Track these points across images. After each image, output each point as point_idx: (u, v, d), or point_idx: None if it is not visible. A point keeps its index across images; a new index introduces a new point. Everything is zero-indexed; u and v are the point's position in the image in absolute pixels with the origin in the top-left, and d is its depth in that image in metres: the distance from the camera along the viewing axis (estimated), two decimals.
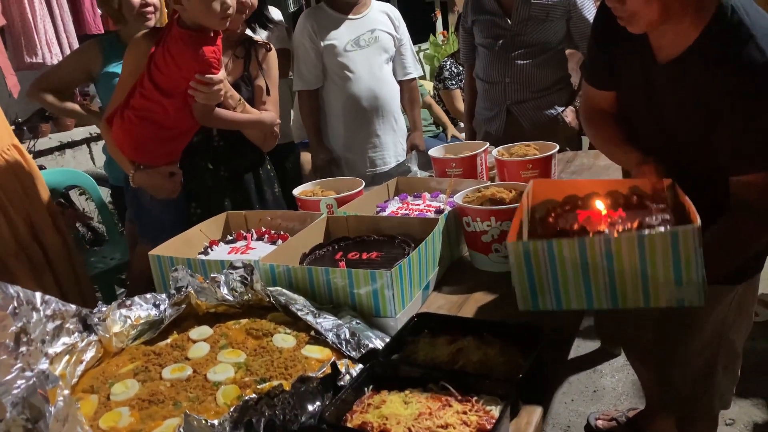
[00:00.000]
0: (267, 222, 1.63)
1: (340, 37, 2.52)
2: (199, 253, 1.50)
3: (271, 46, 1.94)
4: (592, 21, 2.47)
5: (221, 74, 1.69)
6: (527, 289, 1.06)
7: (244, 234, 1.59)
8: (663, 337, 1.53)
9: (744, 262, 1.36)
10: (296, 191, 1.79)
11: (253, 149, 1.94)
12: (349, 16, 2.55)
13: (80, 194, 3.55)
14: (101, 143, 4.11)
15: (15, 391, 0.90)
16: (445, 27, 8.98)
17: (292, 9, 5.28)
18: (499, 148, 1.96)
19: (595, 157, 2.23)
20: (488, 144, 2.02)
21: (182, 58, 1.65)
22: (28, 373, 0.92)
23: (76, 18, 3.37)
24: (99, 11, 3.41)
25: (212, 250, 1.52)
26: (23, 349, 0.94)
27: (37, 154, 3.63)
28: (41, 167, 3.44)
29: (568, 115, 2.60)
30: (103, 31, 3.43)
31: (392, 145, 2.67)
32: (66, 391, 0.97)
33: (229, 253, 1.50)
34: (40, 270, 1.64)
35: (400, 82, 2.71)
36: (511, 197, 1.47)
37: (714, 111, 1.20)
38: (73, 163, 3.91)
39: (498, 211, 1.39)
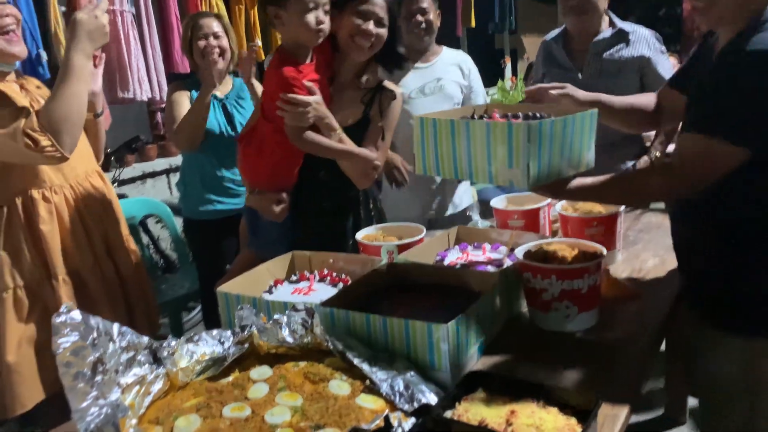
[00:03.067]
0: (330, 264, 1.68)
1: (407, 84, 2.59)
2: (264, 292, 1.56)
3: (398, 94, 1.96)
4: (666, 76, 2.47)
5: (313, 98, 1.74)
6: (420, 157, 1.43)
7: (308, 275, 1.64)
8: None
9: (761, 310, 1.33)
10: (359, 235, 1.83)
11: (356, 187, 1.99)
12: (417, 65, 2.61)
13: (156, 222, 3.74)
14: (180, 174, 4.34)
15: (89, 419, 0.96)
16: (514, 73, 9.01)
17: None
18: (564, 202, 1.94)
19: (663, 217, 2.18)
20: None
21: (270, 78, 1.78)
22: (101, 401, 0.99)
23: (166, 57, 3.61)
24: None
25: (276, 289, 1.58)
26: (99, 378, 1.00)
27: (121, 183, 3.85)
28: (124, 195, 3.68)
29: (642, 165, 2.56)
30: (189, 71, 3.65)
31: (450, 191, 2.69)
32: (134, 421, 1.03)
33: (292, 293, 1.55)
34: (112, 286, 1.77)
35: None
36: (574, 255, 1.45)
37: None
38: (153, 192, 4.13)
39: (559, 270, 1.38)
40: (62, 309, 0.97)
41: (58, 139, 1.52)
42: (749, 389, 1.36)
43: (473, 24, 6.80)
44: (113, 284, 1.77)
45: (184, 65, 3.61)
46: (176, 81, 2.53)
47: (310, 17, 1.71)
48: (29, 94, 1.72)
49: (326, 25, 1.76)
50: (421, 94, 2.60)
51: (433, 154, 1.41)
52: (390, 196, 2.73)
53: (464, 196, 2.77)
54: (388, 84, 1.97)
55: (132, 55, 3.35)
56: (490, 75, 7.82)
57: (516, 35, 9.17)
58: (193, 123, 2.31)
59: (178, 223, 3.39)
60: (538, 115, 1.45)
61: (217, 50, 2.35)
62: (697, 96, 1.33)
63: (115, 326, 1.07)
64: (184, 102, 2.39)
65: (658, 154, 2.60)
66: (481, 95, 2.75)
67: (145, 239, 3.50)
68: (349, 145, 1.86)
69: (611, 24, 2.52)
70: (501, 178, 1.31)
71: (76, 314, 0.99)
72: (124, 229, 1.88)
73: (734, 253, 1.34)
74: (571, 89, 1.61)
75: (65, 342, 0.96)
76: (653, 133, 2.66)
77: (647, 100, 1.70)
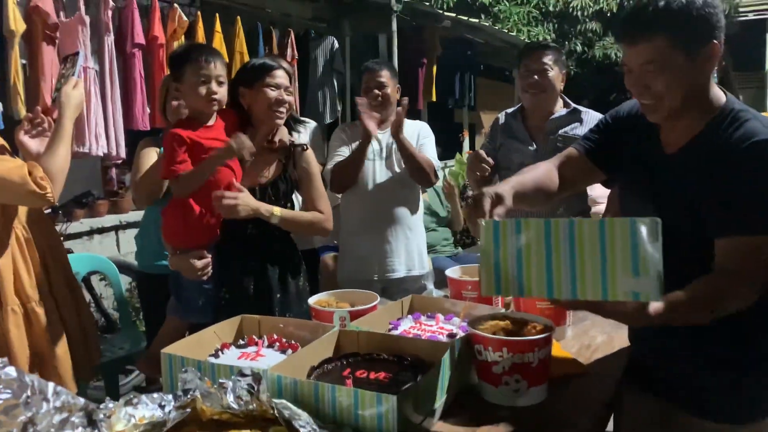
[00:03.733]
0: (280, 329, 1.65)
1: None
2: (210, 356, 1.52)
3: (308, 146, 2.15)
4: None
5: (242, 195, 1.93)
6: (492, 272, 1.09)
7: (256, 340, 1.61)
8: None
9: (750, 401, 1.37)
10: (311, 300, 1.82)
11: (282, 241, 2.10)
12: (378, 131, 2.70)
13: (101, 280, 3.61)
14: (129, 231, 4.24)
15: None
16: (472, 147, 9.32)
17: (328, 120, 5.63)
18: None
19: None
20: None
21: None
22: None
23: (126, 114, 3.60)
24: (148, 110, 3.66)
25: (223, 353, 1.54)
26: None
27: (67, 237, 3.74)
28: (69, 251, 3.55)
29: None
30: (149, 128, 3.65)
31: (404, 253, 2.72)
32: None
33: (239, 358, 1.51)
34: (54, 322, 1.90)
35: None
36: (526, 330, 1.47)
37: (710, 199, 1.29)
38: (99, 249, 4.01)
39: (511, 343, 1.39)
40: None
41: (54, 187, 1.77)
42: None
43: (434, 98, 7.07)
44: (55, 320, 1.91)
45: (144, 122, 3.61)
46: (148, 137, 2.54)
47: (202, 89, 1.93)
48: None
49: (220, 95, 1.97)
50: (377, 156, 2.68)
51: (513, 268, 1.09)
52: (347, 256, 2.74)
53: (420, 260, 2.80)
54: (297, 140, 2.19)
55: (91, 111, 3.33)
56: (449, 148, 8.07)
57: (475, 111, 9.55)
58: (155, 177, 2.30)
59: (124, 281, 3.29)
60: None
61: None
62: (718, 199, 1.28)
63: (50, 385, 1.02)
64: (152, 157, 2.39)
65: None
66: (430, 150, 2.79)
67: (87, 297, 3.37)
68: (289, 215, 2.04)
69: (565, 104, 2.67)
70: (620, 291, 1.04)
71: (11, 370, 0.94)
72: (68, 272, 2.02)
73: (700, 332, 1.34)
74: (501, 193, 1.37)
75: None
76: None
77: (550, 178, 1.60)
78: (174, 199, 2.00)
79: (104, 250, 4.03)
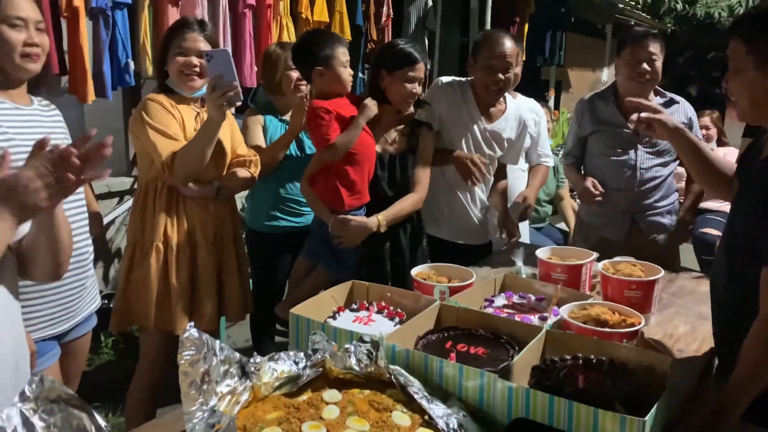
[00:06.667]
0: (387, 298, 1.84)
1: None
2: (328, 317, 1.73)
3: (432, 126, 2.43)
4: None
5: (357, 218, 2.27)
6: None
7: (366, 305, 1.81)
8: None
9: None
10: (414, 272, 2.00)
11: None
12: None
13: None
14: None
15: (195, 420, 1.14)
16: (557, 106, 9.11)
17: None
18: (605, 261, 2.08)
19: (697, 282, 2.30)
20: (595, 255, 2.14)
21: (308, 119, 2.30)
22: (204, 407, 1.17)
23: (237, 69, 3.82)
24: (255, 68, 3.86)
25: (339, 315, 1.75)
26: (205, 386, 1.18)
27: None
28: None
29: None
30: (255, 85, 3.86)
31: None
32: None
33: (353, 321, 1.72)
34: (184, 266, 2.23)
35: (532, 167, 3.05)
36: (615, 320, 1.60)
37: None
38: None
39: (601, 333, 1.52)
40: (187, 327, 1.15)
41: (180, 173, 2.13)
42: None
43: (524, 58, 6.93)
44: (185, 265, 2.24)
45: (252, 80, 3.82)
46: (252, 106, 2.74)
47: (346, 74, 2.22)
48: (199, 117, 2.23)
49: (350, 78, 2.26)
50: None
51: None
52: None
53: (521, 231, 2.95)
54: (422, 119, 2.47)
55: None
56: None
57: (562, 68, 9.28)
58: (275, 150, 2.56)
59: None
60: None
61: (304, 82, 2.54)
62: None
63: (217, 342, 1.25)
64: (255, 129, 2.59)
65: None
66: (543, 138, 3.01)
67: None
68: (391, 215, 2.33)
69: (658, 93, 2.68)
70: None
71: (194, 331, 1.17)
72: (222, 233, 2.30)
73: None
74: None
75: (187, 355, 1.14)
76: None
77: (727, 166, 1.77)
78: (321, 170, 2.25)
79: None
